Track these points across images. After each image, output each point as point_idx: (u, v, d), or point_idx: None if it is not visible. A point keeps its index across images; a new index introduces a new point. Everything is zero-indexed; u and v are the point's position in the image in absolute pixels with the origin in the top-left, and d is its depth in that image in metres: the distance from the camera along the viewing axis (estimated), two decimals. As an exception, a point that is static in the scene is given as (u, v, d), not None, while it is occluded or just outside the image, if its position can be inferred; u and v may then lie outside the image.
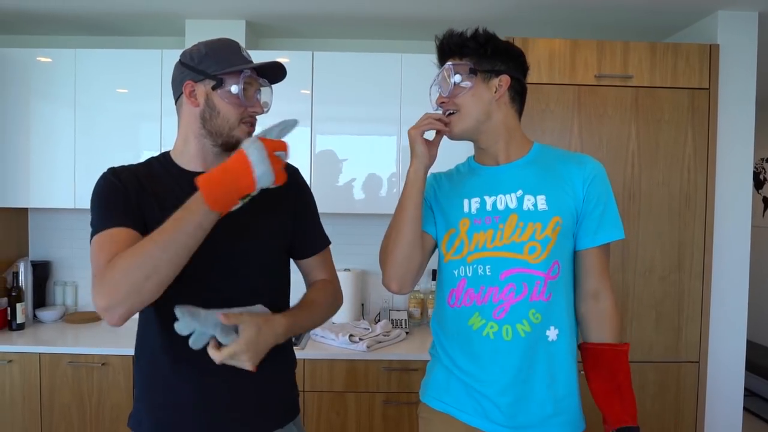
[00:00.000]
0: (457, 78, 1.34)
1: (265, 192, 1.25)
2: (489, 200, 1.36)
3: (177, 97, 1.27)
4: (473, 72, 1.34)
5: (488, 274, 1.32)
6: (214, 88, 1.21)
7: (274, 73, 1.27)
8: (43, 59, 2.69)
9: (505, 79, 1.35)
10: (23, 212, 3.06)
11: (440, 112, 1.40)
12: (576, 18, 2.72)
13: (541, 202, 1.32)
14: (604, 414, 1.31)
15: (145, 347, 1.25)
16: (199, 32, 2.76)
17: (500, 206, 1.34)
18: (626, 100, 2.48)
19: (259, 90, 1.27)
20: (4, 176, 2.72)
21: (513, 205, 1.33)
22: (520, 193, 1.34)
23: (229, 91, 1.20)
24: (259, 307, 1.19)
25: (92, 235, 1.14)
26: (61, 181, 2.71)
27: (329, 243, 1.45)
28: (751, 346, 3.45)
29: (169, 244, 1.01)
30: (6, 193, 2.73)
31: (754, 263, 2.78)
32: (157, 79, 2.65)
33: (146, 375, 1.26)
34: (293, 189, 1.36)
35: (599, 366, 1.33)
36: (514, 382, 1.31)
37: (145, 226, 1.13)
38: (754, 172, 2.66)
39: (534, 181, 1.35)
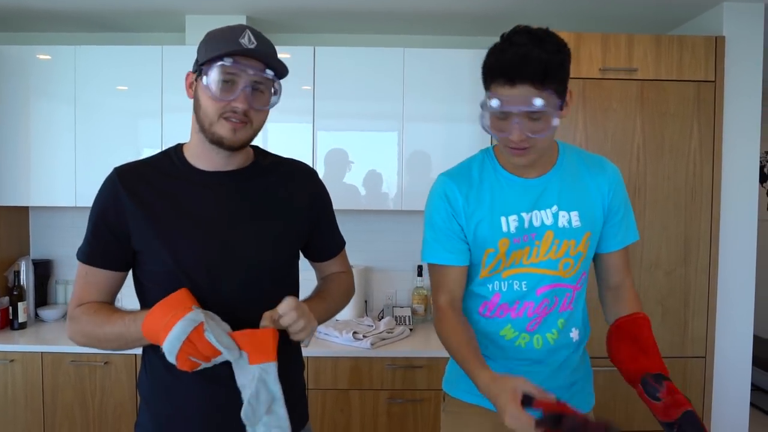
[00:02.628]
0: (556, 122, 1.16)
1: (280, 199, 1.25)
2: (526, 217, 1.31)
3: None
4: (560, 107, 1.18)
5: (524, 289, 1.34)
6: (197, 78, 1.15)
7: (276, 64, 1.14)
8: (42, 56, 2.67)
9: (570, 93, 1.21)
10: (24, 211, 3.04)
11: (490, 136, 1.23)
12: (579, 11, 2.70)
13: (575, 218, 1.32)
14: (632, 371, 1.25)
15: (153, 356, 1.21)
16: (199, 28, 2.72)
17: (536, 223, 1.32)
18: (631, 94, 2.45)
19: (254, 84, 1.13)
20: (4, 175, 2.71)
21: (549, 221, 1.32)
22: (555, 209, 1.32)
23: (206, 83, 1.12)
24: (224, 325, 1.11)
25: (79, 251, 1.21)
26: (62, 179, 2.69)
27: (345, 243, 1.45)
28: (758, 341, 3.42)
29: (112, 340, 1.16)
30: (6, 191, 2.72)
31: (761, 257, 2.75)
32: (157, 76, 2.61)
33: (154, 384, 1.22)
34: (311, 195, 1.32)
35: (621, 338, 1.32)
36: (543, 380, 1.32)
37: (128, 241, 1.18)
38: (760, 165, 2.63)
39: (567, 195, 1.33)
